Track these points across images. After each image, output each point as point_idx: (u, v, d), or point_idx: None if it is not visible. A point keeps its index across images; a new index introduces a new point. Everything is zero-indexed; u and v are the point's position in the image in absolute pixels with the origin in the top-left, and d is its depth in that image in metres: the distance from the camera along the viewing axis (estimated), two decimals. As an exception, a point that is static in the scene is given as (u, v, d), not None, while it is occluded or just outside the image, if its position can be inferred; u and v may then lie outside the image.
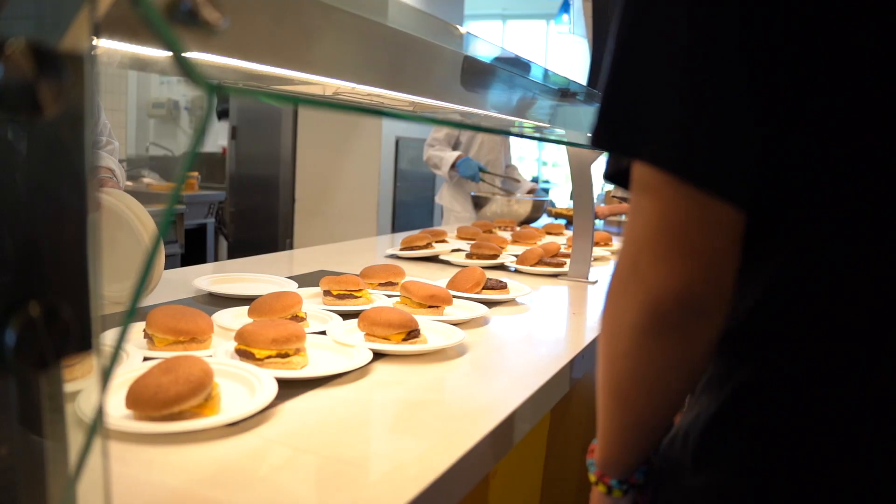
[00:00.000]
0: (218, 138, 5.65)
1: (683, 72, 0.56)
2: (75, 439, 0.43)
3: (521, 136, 3.47)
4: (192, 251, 4.47)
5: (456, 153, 3.90)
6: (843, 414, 0.60)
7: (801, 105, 0.57)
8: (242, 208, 5.41)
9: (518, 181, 4.18)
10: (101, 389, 0.41)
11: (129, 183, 4.53)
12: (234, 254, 5.25)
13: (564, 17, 6.64)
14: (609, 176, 0.69)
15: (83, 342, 0.38)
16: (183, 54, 0.38)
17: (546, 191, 4.46)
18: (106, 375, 0.41)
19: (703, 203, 0.57)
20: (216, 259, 5.02)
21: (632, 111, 0.60)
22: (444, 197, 4.18)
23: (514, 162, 4.48)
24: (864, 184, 0.58)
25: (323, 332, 1.26)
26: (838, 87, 0.57)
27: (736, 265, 0.61)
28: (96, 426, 0.43)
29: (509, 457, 1.04)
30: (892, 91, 0.56)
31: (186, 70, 0.38)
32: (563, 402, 1.25)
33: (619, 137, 0.62)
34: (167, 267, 2.01)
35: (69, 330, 0.37)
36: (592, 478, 0.79)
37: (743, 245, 0.60)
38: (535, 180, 4.59)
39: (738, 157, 0.57)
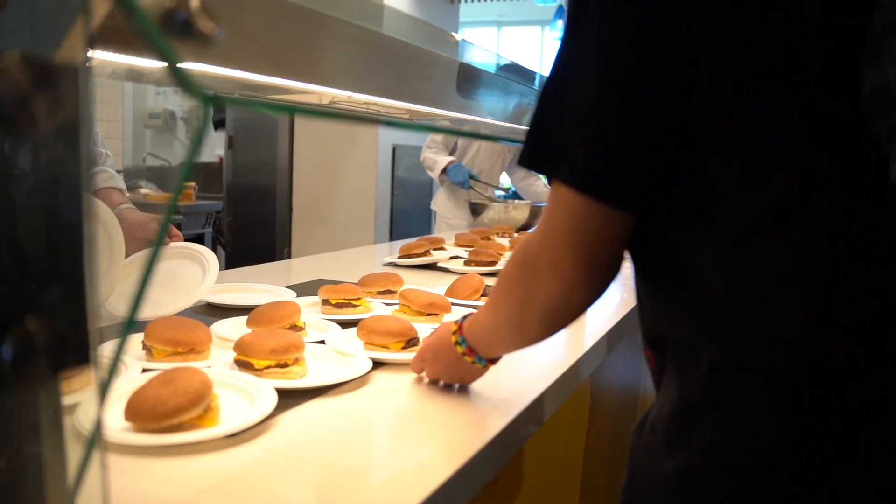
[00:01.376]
0: (214, 148, 5.65)
1: (589, 111, 0.69)
2: (74, 452, 0.42)
3: (517, 142, 3.46)
4: (190, 261, 4.46)
5: (448, 158, 3.87)
6: (801, 391, 0.66)
7: (683, 132, 0.68)
8: (240, 218, 5.40)
9: (506, 196, 4.14)
10: (99, 402, 0.41)
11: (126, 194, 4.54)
12: (231, 263, 5.25)
13: (559, 23, 6.65)
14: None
15: (81, 355, 0.38)
16: (178, 65, 0.38)
17: None
18: (104, 388, 0.41)
19: (602, 212, 0.72)
20: (214, 269, 5.01)
21: (551, 141, 0.74)
22: (438, 203, 4.16)
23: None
24: (747, 186, 0.68)
25: (322, 342, 1.26)
26: (717, 117, 0.67)
27: (616, 273, 0.77)
28: (95, 439, 0.43)
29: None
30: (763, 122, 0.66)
31: (182, 81, 0.38)
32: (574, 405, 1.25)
33: (540, 160, 0.77)
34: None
35: (67, 343, 0.36)
36: (460, 349, 1.01)
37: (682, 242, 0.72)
38: (508, 190, 4.58)
39: (630, 176, 0.70)
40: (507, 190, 4.20)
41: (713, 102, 0.67)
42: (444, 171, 3.86)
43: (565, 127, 0.72)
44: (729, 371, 0.70)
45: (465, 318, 1.04)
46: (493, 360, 1.04)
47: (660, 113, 0.68)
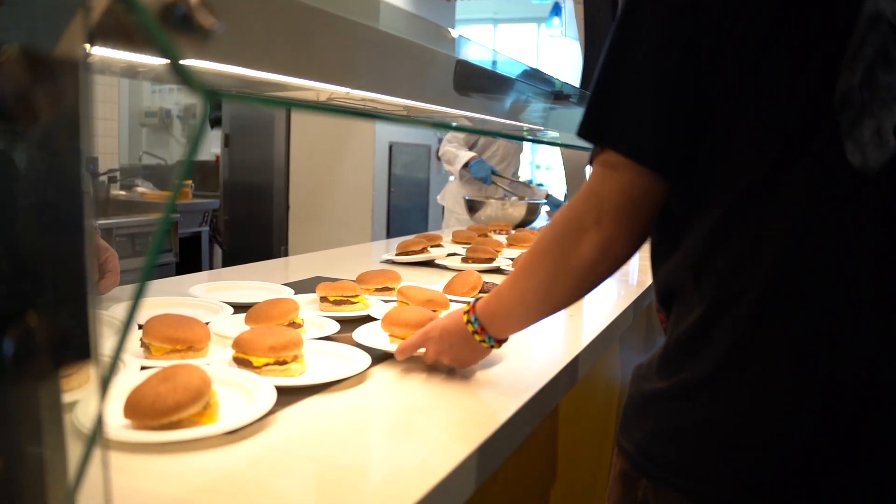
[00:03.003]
0: (211, 146, 5.64)
1: (646, 96, 0.86)
2: (74, 450, 0.42)
3: (517, 138, 3.47)
4: (187, 260, 4.45)
5: (471, 153, 3.93)
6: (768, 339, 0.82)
7: (713, 113, 0.84)
8: (237, 216, 5.39)
9: (530, 187, 4.20)
10: (99, 399, 0.41)
11: (122, 193, 4.53)
12: (228, 262, 5.24)
13: (555, 20, 6.66)
14: (591, 161, 0.95)
15: (82, 351, 0.37)
16: (178, 61, 0.38)
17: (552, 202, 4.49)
18: (105, 385, 0.41)
19: (649, 178, 0.86)
20: (211, 267, 5.01)
21: (610, 118, 0.88)
22: (447, 198, 4.21)
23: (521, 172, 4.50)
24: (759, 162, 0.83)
25: (320, 338, 1.26)
26: (738, 106, 0.83)
27: (647, 236, 0.91)
28: (96, 436, 0.43)
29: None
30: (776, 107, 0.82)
31: (182, 76, 0.38)
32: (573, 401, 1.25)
33: (602, 134, 0.90)
34: (161, 276, 2.01)
35: (68, 339, 0.36)
36: (471, 328, 1.09)
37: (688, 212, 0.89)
38: (529, 183, 4.62)
39: (675, 149, 0.86)
40: (526, 184, 4.23)
41: (723, 95, 0.83)
42: (466, 165, 3.91)
43: (622, 106, 0.88)
44: (713, 316, 0.85)
45: (477, 300, 1.11)
46: (500, 342, 1.11)
47: (696, 99, 0.84)
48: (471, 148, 4.03)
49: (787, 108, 0.81)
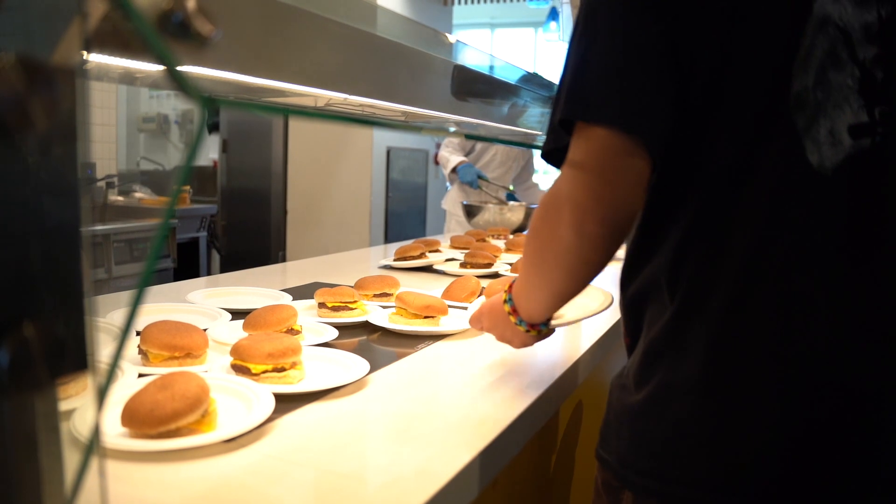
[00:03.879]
0: (209, 152, 5.64)
1: (615, 72, 0.87)
2: (71, 459, 0.42)
3: (515, 143, 3.47)
4: (185, 265, 4.44)
5: (459, 157, 3.98)
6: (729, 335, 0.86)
7: (689, 91, 0.86)
8: (234, 221, 5.38)
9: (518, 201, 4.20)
10: (97, 408, 0.41)
11: (120, 198, 4.52)
12: (226, 267, 5.23)
13: (553, 24, 6.66)
14: (545, 154, 0.99)
15: (78, 361, 0.37)
16: (175, 68, 0.37)
17: None
18: (102, 394, 0.40)
19: (627, 144, 0.85)
20: (209, 273, 5.00)
21: (585, 94, 0.88)
22: (448, 202, 4.24)
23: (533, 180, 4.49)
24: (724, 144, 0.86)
25: (319, 345, 1.25)
26: (712, 87, 0.85)
27: (637, 201, 0.89)
28: (93, 445, 0.42)
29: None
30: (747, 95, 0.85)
31: (179, 83, 0.38)
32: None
33: (578, 109, 0.89)
34: (160, 282, 2.00)
35: (64, 349, 0.36)
36: (507, 308, 1.09)
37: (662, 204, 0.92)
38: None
39: (649, 118, 0.86)
40: (514, 192, 4.24)
41: (694, 96, 0.86)
42: (454, 170, 3.94)
43: (595, 84, 0.88)
44: (683, 318, 0.88)
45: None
46: (535, 327, 1.09)
47: (664, 81, 0.86)
48: (468, 153, 4.06)
49: (745, 111, 0.85)
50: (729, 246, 0.85)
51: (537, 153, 1.22)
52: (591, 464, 1.02)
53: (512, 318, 1.09)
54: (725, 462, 0.85)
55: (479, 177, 3.92)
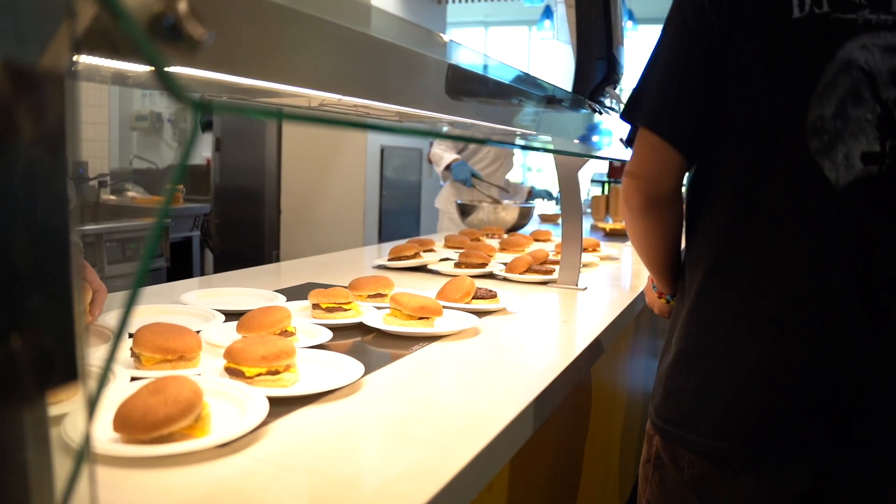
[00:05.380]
0: (202, 150, 5.62)
1: (655, 82, 1.18)
2: (62, 465, 0.41)
3: (510, 144, 3.47)
4: (178, 265, 4.42)
5: (453, 155, 3.98)
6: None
7: (720, 99, 1.12)
8: (228, 220, 5.37)
9: (508, 191, 4.21)
10: (88, 417, 0.40)
11: (112, 197, 4.50)
12: (219, 266, 5.21)
13: (546, 23, 6.66)
14: (628, 143, 1.25)
15: (68, 373, 0.36)
16: (166, 71, 0.36)
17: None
18: (93, 404, 0.40)
19: (662, 145, 1.14)
20: (202, 272, 4.98)
21: (639, 101, 1.20)
22: (441, 200, 4.24)
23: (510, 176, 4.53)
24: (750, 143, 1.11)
25: (313, 347, 1.24)
26: (738, 96, 1.10)
27: (673, 187, 1.17)
28: (84, 454, 0.42)
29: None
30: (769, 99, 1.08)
31: (170, 87, 0.37)
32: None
33: (631, 113, 1.22)
34: (153, 282, 1.99)
35: (53, 362, 0.35)
36: (657, 292, 1.41)
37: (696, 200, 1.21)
38: (510, 184, 4.65)
39: (678, 123, 1.14)
40: (508, 190, 4.24)
41: (723, 108, 1.12)
42: (448, 167, 3.94)
43: (642, 94, 1.19)
44: (705, 296, 1.15)
45: None
46: (663, 296, 1.40)
47: (696, 93, 1.14)
48: (460, 151, 4.06)
49: (759, 130, 1.09)
50: (748, 240, 1.10)
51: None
52: (598, 467, 1.01)
53: (662, 299, 1.40)
54: (728, 415, 1.09)
55: (473, 175, 3.91)
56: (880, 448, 1.06)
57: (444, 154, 4.02)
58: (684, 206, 1.23)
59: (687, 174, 1.21)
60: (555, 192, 4.49)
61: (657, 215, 1.20)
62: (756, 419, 1.07)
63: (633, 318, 1.96)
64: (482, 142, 3.53)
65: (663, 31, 1.17)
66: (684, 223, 1.24)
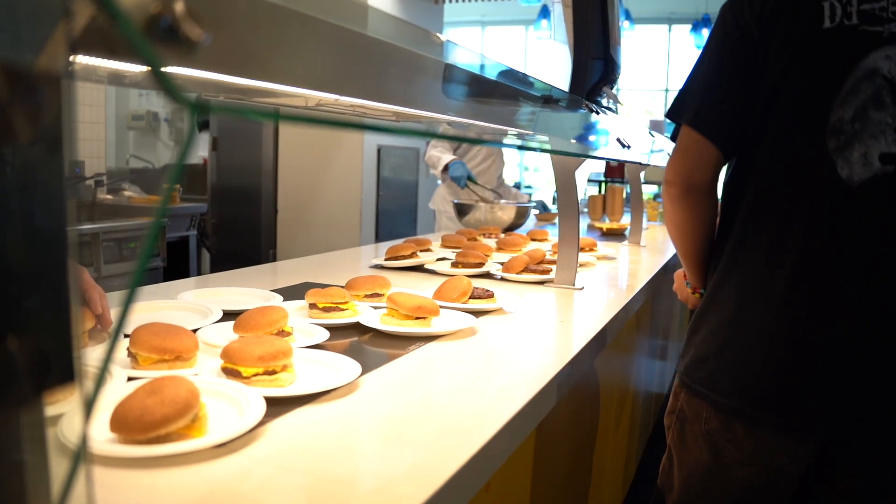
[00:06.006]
0: (199, 149, 5.61)
1: (698, 84, 1.35)
2: (58, 465, 0.41)
3: (506, 145, 3.47)
4: (174, 264, 4.42)
5: (451, 156, 4.00)
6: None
7: (756, 101, 1.28)
8: (224, 220, 5.37)
9: (500, 193, 4.22)
10: (85, 418, 0.40)
11: (109, 197, 4.49)
12: (216, 266, 5.21)
13: (543, 22, 6.66)
14: (672, 137, 1.45)
15: (64, 373, 0.36)
16: (162, 71, 0.36)
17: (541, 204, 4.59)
18: (90, 404, 0.40)
19: (701, 140, 1.31)
20: (199, 271, 4.98)
21: (682, 100, 1.36)
22: (437, 201, 4.25)
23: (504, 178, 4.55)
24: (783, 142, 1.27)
25: (309, 347, 1.24)
26: (774, 99, 1.26)
27: (709, 178, 1.33)
28: (81, 454, 0.41)
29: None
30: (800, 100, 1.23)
31: (166, 87, 0.37)
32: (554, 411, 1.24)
33: (675, 111, 1.37)
34: (150, 282, 1.99)
35: (49, 362, 0.35)
36: (690, 288, 1.55)
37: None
38: (517, 185, 4.65)
39: (721, 124, 1.30)
40: (502, 196, 4.25)
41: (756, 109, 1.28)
42: (446, 167, 3.96)
43: (686, 94, 1.36)
44: (727, 273, 1.33)
45: None
46: (696, 290, 1.53)
47: (735, 96, 1.30)
48: (455, 150, 4.08)
49: (787, 130, 1.23)
50: (763, 224, 1.26)
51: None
52: (605, 470, 1.01)
53: (695, 295, 1.52)
54: (745, 375, 1.26)
55: (469, 178, 3.93)
56: (889, 429, 1.18)
57: (441, 155, 4.03)
58: (720, 202, 1.40)
59: (723, 171, 1.38)
60: (549, 201, 4.51)
61: (693, 204, 1.36)
62: (759, 385, 1.25)
63: (633, 317, 1.96)
64: (479, 142, 3.54)
65: (709, 38, 1.33)
66: (719, 217, 1.40)
